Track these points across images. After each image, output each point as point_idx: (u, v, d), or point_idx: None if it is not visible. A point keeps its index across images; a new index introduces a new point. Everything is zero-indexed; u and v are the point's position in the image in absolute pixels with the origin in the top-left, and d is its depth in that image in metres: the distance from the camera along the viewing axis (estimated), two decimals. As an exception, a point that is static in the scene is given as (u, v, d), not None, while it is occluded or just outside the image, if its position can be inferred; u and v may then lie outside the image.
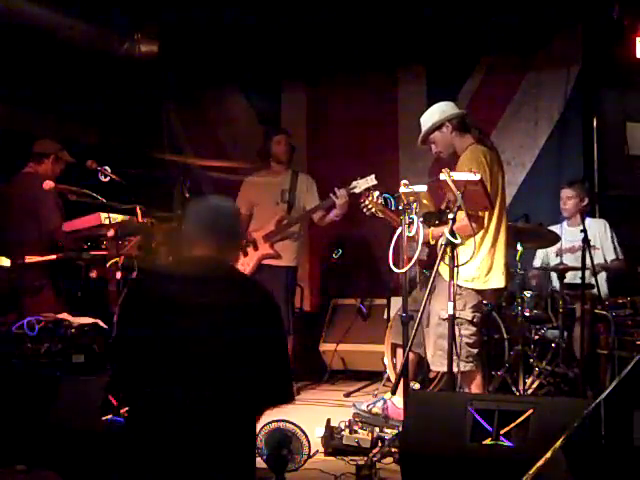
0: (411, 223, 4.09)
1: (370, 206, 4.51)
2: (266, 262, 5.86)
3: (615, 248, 5.73)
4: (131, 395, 2.66)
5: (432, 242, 4.27)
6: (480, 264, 4.33)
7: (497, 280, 4.40)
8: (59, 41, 5.79)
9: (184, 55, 6.74)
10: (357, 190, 5.46)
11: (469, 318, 4.35)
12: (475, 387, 4.41)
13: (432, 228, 4.22)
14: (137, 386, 2.59)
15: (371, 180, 5.46)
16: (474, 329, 4.38)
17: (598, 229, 5.73)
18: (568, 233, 5.66)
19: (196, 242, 2.76)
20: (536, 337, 5.28)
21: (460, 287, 4.12)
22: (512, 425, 3.15)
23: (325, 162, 7.11)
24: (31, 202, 5.15)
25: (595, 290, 4.97)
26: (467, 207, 3.82)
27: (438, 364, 4.38)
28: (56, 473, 3.56)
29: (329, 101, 7.32)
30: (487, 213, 4.30)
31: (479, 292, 4.40)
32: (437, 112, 4.52)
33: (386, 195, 4.54)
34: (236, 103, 7.56)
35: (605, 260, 5.70)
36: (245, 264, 5.85)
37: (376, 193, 4.53)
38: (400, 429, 3.95)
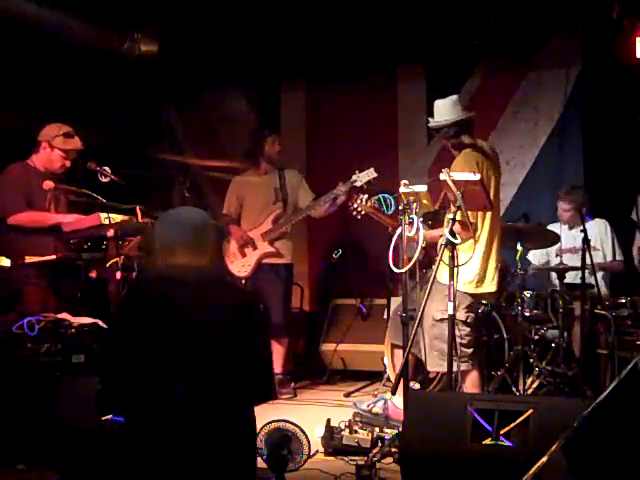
0: (411, 223, 4.09)
1: (359, 209, 4.52)
2: (265, 261, 5.86)
3: (615, 249, 5.72)
4: (127, 400, 2.68)
5: (423, 244, 4.26)
6: (473, 268, 4.34)
7: (489, 285, 4.45)
8: (59, 41, 5.79)
9: (184, 55, 6.74)
10: (358, 183, 5.42)
11: (463, 319, 4.39)
12: (471, 386, 4.44)
13: (426, 231, 4.23)
14: (134, 390, 2.63)
15: (371, 173, 5.42)
16: (468, 329, 4.44)
17: (599, 229, 5.72)
18: (567, 233, 5.65)
19: (176, 252, 2.82)
20: (536, 337, 5.28)
21: None
22: (512, 425, 3.16)
23: (325, 162, 7.10)
24: None
25: (595, 290, 4.97)
26: (467, 207, 3.82)
27: (434, 365, 4.43)
28: (56, 473, 3.56)
29: (329, 101, 7.31)
30: (480, 218, 4.32)
31: (472, 295, 4.44)
32: (436, 117, 4.52)
33: (386, 195, 4.53)
34: (236, 103, 7.56)
35: (605, 261, 5.69)
36: (245, 264, 5.86)
37: (365, 196, 4.53)
38: (400, 429, 3.96)
